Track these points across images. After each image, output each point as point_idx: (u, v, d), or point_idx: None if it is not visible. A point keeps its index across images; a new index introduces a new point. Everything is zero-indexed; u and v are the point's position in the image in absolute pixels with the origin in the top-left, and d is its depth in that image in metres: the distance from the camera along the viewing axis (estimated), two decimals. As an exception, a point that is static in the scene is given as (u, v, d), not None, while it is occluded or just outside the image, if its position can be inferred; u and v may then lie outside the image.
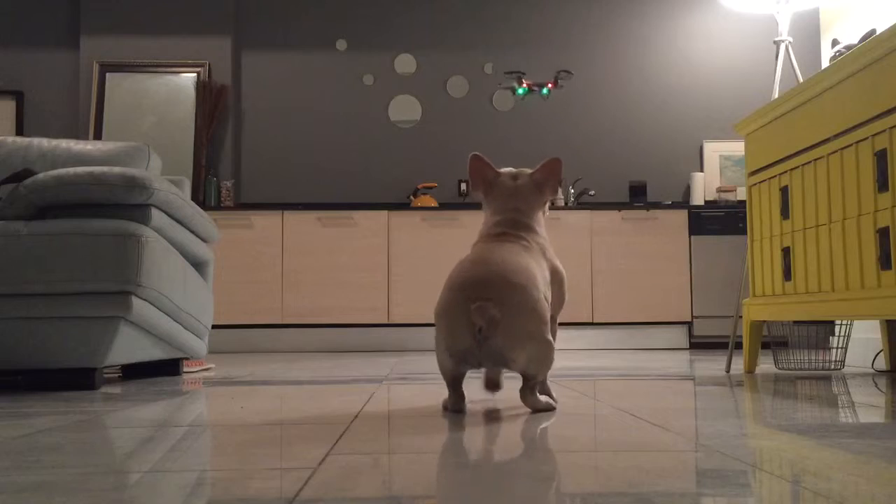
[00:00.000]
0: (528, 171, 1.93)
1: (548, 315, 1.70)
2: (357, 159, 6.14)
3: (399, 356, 4.65)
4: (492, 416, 1.67)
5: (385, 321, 5.46)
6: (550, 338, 1.69)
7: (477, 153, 1.90)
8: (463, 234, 5.51)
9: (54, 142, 3.11)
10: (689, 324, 5.52)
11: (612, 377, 2.82)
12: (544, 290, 1.73)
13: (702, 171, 6.12)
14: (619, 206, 5.59)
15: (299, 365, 3.79)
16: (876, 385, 2.46)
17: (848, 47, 2.99)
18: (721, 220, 5.53)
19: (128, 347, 2.60)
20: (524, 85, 2.00)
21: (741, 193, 5.89)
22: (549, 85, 2.24)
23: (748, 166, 3.15)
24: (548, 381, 1.84)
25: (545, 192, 1.90)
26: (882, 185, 2.28)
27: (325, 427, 1.54)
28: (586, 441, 1.34)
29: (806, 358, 3.08)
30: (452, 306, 1.64)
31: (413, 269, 5.49)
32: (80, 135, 5.92)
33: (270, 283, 5.45)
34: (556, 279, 1.85)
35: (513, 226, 1.84)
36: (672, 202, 5.91)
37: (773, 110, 2.91)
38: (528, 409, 1.76)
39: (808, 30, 5.99)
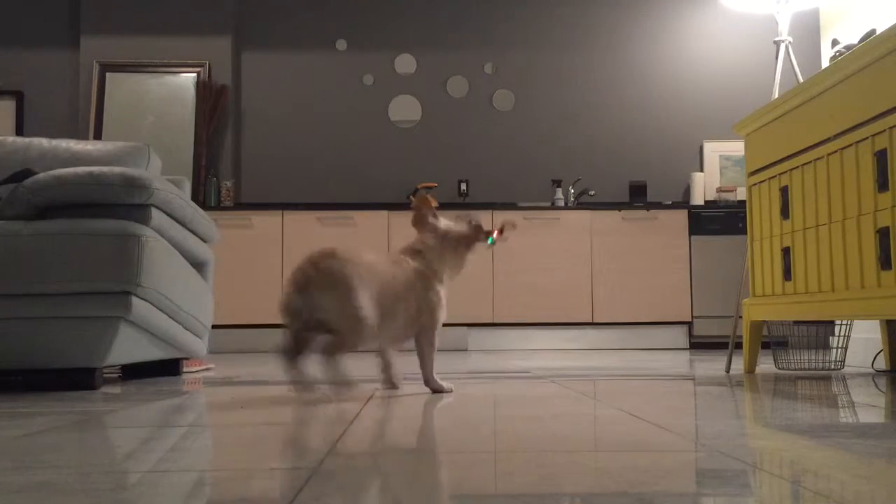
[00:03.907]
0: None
1: None
2: (357, 159, 6.14)
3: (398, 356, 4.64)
4: (491, 417, 1.67)
5: (385, 321, 5.45)
6: None
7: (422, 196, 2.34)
8: (463, 234, 5.50)
9: (54, 142, 3.11)
10: (689, 324, 5.52)
11: (612, 377, 2.82)
12: None
13: (702, 171, 6.12)
14: (619, 206, 5.59)
15: (299, 365, 3.78)
16: (876, 385, 2.46)
17: (848, 47, 2.99)
18: (721, 220, 5.53)
19: (128, 347, 2.60)
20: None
21: (741, 193, 5.89)
22: (496, 234, 2.39)
23: (748, 166, 3.15)
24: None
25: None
26: (882, 185, 2.28)
27: (325, 427, 1.54)
28: (586, 441, 1.34)
29: (806, 358, 3.08)
30: None
31: (413, 269, 5.48)
32: (80, 135, 5.92)
33: (270, 283, 5.44)
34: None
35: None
36: (672, 202, 5.91)
37: (772, 110, 2.91)
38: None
39: (808, 30, 5.99)
